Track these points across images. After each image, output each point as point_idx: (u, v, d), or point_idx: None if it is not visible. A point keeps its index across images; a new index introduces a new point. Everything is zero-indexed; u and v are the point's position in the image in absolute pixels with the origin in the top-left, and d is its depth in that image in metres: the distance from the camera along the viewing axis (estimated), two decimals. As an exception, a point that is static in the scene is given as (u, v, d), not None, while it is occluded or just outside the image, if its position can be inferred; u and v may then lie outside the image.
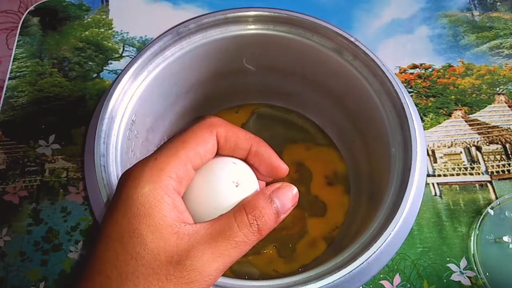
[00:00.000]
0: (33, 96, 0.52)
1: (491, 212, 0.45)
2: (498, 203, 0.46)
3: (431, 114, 0.53)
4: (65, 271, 0.43)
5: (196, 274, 0.20)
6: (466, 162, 0.50)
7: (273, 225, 0.23)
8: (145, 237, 0.20)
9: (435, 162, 0.50)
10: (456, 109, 0.53)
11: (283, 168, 0.26)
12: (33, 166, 0.48)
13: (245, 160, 0.26)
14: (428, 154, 0.50)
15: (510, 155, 0.50)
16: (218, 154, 0.25)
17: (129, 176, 0.22)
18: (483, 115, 0.53)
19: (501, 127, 0.52)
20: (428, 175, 0.49)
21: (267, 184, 0.28)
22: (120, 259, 0.20)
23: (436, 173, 0.49)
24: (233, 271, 0.41)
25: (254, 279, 0.29)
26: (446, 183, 0.48)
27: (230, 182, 0.24)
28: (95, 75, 0.54)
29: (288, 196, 0.24)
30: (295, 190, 0.24)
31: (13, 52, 0.55)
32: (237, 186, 0.24)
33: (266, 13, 0.37)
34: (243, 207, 0.23)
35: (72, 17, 0.58)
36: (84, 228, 0.45)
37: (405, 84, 0.54)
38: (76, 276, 0.23)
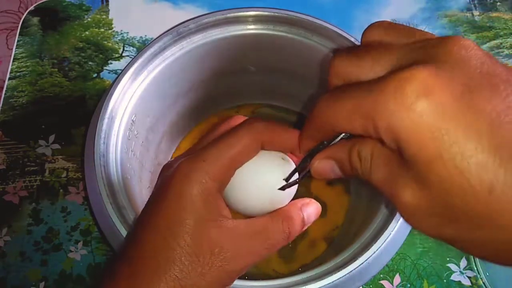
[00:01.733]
0: (33, 96, 0.52)
1: (491, 212, 0.45)
2: (498, 203, 0.46)
3: (431, 114, 0.52)
4: (65, 271, 0.43)
5: (233, 265, 0.23)
6: (466, 162, 0.50)
7: (298, 233, 0.26)
8: (192, 228, 0.23)
9: (435, 162, 0.50)
10: (456, 109, 0.53)
11: None
12: (33, 166, 0.48)
13: (287, 151, 0.28)
14: (428, 154, 0.50)
15: (510, 155, 0.50)
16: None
17: (178, 173, 0.24)
18: (483, 115, 0.53)
19: (501, 127, 0.52)
20: (428, 175, 0.49)
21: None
22: (168, 246, 0.23)
23: (436, 173, 0.49)
24: (233, 271, 0.41)
25: (254, 279, 0.29)
26: (446, 183, 0.48)
27: (271, 176, 0.26)
28: (95, 75, 0.54)
29: (313, 211, 0.27)
30: (319, 206, 0.28)
31: (13, 52, 0.55)
32: (285, 187, 0.26)
33: (266, 13, 0.37)
34: (280, 215, 0.26)
35: (72, 17, 0.58)
36: (84, 228, 0.45)
37: (405, 84, 0.54)
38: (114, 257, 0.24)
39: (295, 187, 0.27)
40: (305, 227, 0.27)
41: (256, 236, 0.24)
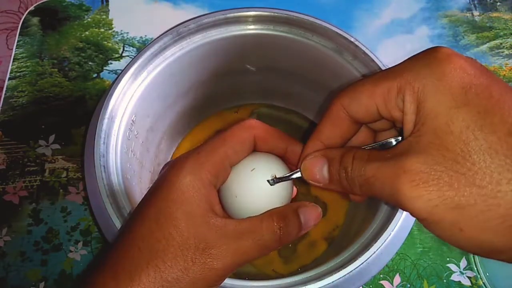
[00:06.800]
0: (33, 96, 0.52)
1: (491, 212, 0.45)
2: (498, 203, 0.46)
3: (431, 114, 0.52)
4: (65, 271, 0.43)
5: (218, 263, 0.23)
6: (466, 162, 0.50)
7: (294, 238, 0.25)
8: (179, 221, 0.23)
9: (435, 162, 0.50)
10: (456, 109, 0.53)
11: None
12: (33, 166, 0.48)
13: (282, 157, 0.28)
14: (428, 154, 0.50)
15: (510, 155, 0.50)
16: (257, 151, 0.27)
17: (173, 166, 0.25)
18: (483, 115, 0.53)
19: (501, 127, 0.52)
20: (428, 175, 0.48)
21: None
22: (153, 237, 0.23)
23: (436, 173, 0.49)
24: (233, 271, 0.41)
25: (254, 279, 0.29)
26: (446, 183, 0.48)
27: (264, 179, 0.26)
28: (95, 75, 0.54)
29: (312, 215, 0.26)
30: (319, 210, 0.26)
31: (13, 52, 0.55)
32: (271, 183, 0.26)
33: (266, 13, 0.37)
34: (272, 215, 0.25)
35: (72, 17, 0.58)
36: (84, 228, 0.45)
37: (405, 84, 0.54)
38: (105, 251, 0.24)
39: (291, 190, 0.27)
40: (303, 232, 0.26)
41: (245, 236, 0.23)
